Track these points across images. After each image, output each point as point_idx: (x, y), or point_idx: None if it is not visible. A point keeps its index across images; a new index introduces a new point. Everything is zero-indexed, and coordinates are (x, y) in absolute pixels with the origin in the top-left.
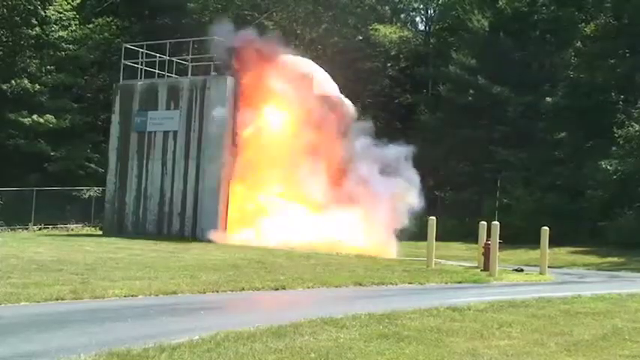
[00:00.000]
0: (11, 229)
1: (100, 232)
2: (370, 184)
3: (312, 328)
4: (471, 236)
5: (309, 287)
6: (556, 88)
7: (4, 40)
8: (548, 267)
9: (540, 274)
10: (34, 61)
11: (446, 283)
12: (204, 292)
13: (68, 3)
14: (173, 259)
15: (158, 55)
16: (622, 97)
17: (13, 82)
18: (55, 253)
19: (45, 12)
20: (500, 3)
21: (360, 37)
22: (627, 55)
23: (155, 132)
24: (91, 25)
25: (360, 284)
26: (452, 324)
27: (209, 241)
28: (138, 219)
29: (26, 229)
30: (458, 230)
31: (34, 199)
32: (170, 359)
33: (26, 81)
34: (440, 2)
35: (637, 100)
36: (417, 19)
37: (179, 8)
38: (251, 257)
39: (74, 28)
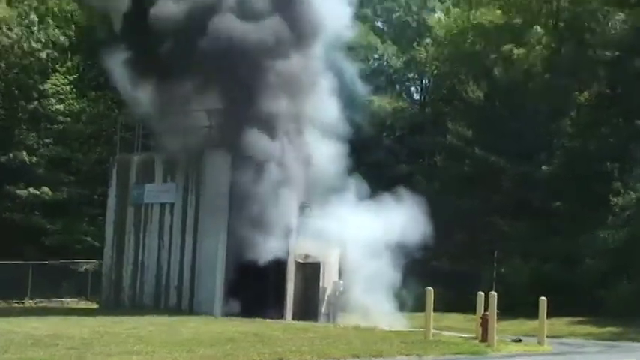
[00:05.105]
0: (7, 303)
1: (97, 306)
2: None
3: None
4: (468, 307)
5: None
6: (552, 157)
7: (2, 113)
8: (547, 337)
9: (539, 344)
10: (31, 134)
11: (444, 354)
12: None
13: (65, 77)
14: (170, 333)
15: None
16: (617, 165)
17: (10, 155)
18: (52, 327)
19: (43, 86)
20: (495, 72)
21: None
22: (621, 124)
23: (152, 205)
24: (87, 99)
25: (358, 357)
26: None
27: (206, 315)
28: (135, 292)
29: (22, 303)
30: (455, 301)
31: (30, 273)
32: None
33: (24, 154)
34: (435, 72)
35: (632, 169)
36: (412, 89)
37: None
38: (248, 330)
39: (71, 101)
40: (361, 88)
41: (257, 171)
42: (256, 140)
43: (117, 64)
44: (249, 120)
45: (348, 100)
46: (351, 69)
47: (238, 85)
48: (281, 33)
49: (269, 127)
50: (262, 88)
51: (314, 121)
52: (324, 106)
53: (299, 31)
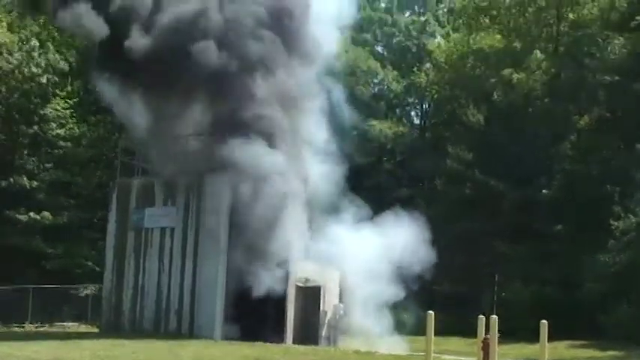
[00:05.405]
0: (7, 327)
1: (97, 330)
2: None
3: None
4: (469, 330)
5: None
6: (552, 180)
7: (3, 138)
8: None
9: None
10: (31, 158)
11: None
12: None
13: (65, 101)
14: (170, 357)
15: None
16: (618, 189)
17: (11, 179)
18: (52, 351)
19: (43, 110)
20: (495, 97)
21: (356, 133)
22: (622, 148)
23: (152, 229)
24: (87, 123)
25: None
26: None
27: (207, 338)
28: (135, 316)
29: (23, 327)
30: (456, 325)
31: (30, 297)
32: None
33: (24, 178)
34: (435, 97)
35: (633, 193)
36: (413, 113)
37: None
38: (248, 354)
39: (71, 125)
40: (348, 114)
41: (257, 184)
42: (253, 149)
43: (107, 87)
44: (242, 128)
45: (337, 126)
46: (339, 94)
47: (227, 99)
48: (272, 50)
49: (265, 134)
50: (253, 100)
51: (308, 140)
52: (316, 127)
53: (291, 49)
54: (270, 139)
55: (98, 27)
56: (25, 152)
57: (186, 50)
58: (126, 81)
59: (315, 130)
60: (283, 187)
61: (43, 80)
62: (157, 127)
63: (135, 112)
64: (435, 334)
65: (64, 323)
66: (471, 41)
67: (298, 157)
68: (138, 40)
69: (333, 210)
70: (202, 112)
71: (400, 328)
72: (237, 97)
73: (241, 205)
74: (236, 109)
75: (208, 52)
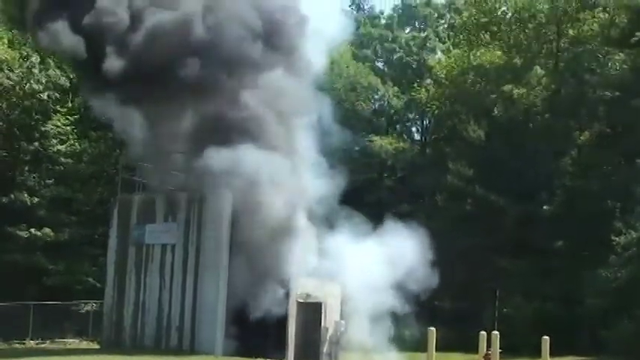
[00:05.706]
0: (8, 344)
1: (98, 346)
2: None
3: None
4: (471, 346)
5: None
6: (553, 196)
7: (4, 154)
8: None
9: None
10: (32, 175)
11: None
12: None
13: (66, 117)
14: None
15: (155, 167)
16: (618, 204)
17: (12, 195)
18: None
19: (44, 127)
20: (495, 112)
21: (357, 148)
22: (622, 163)
23: (153, 245)
24: (88, 140)
25: None
26: None
27: (207, 354)
28: (136, 332)
29: (23, 343)
30: (458, 341)
31: (31, 313)
32: None
33: (25, 194)
34: (435, 113)
35: (634, 209)
36: (413, 129)
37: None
38: None
39: (72, 142)
40: (337, 130)
41: (258, 189)
42: (252, 153)
43: (97, 102)
44: (237, 135)
45: (328, 141)
46: (329, 110)
47: (217, 107)
48: (262, 59)
49: (260, 141)
50: (245, 107)
51: (301, 154)
52: (307, 140)
53: (281, 61)
54: (265, 145)
55: (76, 44)
56: (26, 168)
57: (171, 61)
58: (116, 96)
59: (307, 143)
60: (285, 195)
61: (44, 96)
62: (153, 141)
63: (132, 127)
64: (436, 350)
65: (65, 340)
66: (472, 57)
67: (295, 170)
68: (114, 62)
69: (330, 225)
70: (194, 123)
71: (401, 343)
72: (229, 104)
73: (242, 217)
74: (229, 116)
75: (193, 61)
